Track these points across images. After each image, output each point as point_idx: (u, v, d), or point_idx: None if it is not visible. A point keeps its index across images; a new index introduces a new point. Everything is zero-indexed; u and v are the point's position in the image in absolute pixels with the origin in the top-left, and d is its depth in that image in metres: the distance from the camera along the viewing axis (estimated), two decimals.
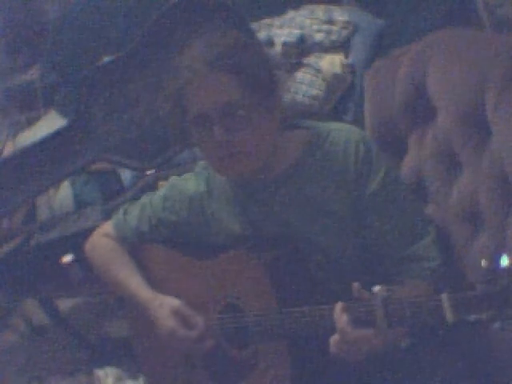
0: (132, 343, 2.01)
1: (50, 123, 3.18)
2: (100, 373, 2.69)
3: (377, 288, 1.48)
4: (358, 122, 2.04)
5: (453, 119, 1.83)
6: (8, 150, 3.29)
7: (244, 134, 1.65)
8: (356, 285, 1.51)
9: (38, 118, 3.52)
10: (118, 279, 1.91)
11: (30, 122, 3.57)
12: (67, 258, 2.66)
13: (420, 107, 1.91)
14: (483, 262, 1.36)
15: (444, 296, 1.41)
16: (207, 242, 1.84)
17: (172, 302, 1.80)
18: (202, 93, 1.65)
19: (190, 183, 1.86)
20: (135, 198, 1.99)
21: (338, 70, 2.86)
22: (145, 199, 1.93)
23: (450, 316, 1.40)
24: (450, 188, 1.86)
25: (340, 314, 1.51)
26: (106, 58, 2.89)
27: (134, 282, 1.88)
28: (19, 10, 3.81)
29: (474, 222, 1.80)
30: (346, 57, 2.91)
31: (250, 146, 1.67)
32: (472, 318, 1.38)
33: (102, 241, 1.95)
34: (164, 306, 1.80)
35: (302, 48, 2.93)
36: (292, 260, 1.71)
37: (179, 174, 1.92)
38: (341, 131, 1.75)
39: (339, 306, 1.52)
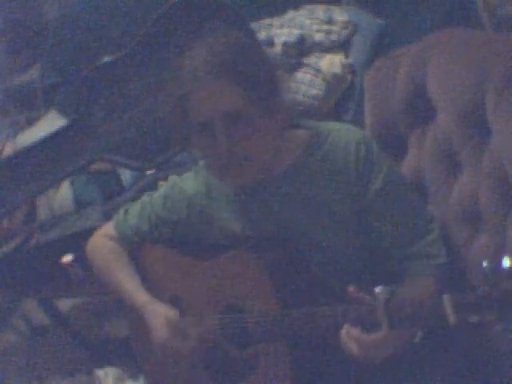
0: (132, 343, 2.01)
1: (50, 123, 3.18)
2: (100, 373, 2.69)
3: (378, 289, 1.48)
4: (358, 122, 2.04)
5: (453, 119, 1.83)
6: (8, 149, 3.29)
7: (247, 141, 1.65)
8: (351, 288, 1.51)
9: (38, 118, 3.52)
10: (116, 282, 1.90)
11: (30, 122, 3.57)
12: (67, 258, 2.66)
13: (420, 107, 1.91)
14: (485, 264, 1.36)
15: (446, 297, 1.40)
16: (207, 241, 1.84)
17: (167, 312, 1.79)
18: (204, 100, 1.64)
19: (189, 183, 1.86)
20: (135, 198, 1.99)
21: (337, 70, 2.86)
22: (145, 198, 1.93)
23: (452, 317, 1.40)
24: (449, 188, 1.86)
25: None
26: (106, 58, 2.88)
27: (131, 286, 1.88)
28: (19, 9, 3.80)
29: (474, 221, 1.80)
30: (346, 57, 2.91)
31: (254, 153, 1.66)
32: (474, 319, 1.38)
33: (103, 242, 1.95)
34: (159, 316, 1.79)
35: (301, 48, 2.93)
36: (292, 260, 1.71)
37: (179, 174, 1.91)
38: (341, 131, 1.74)
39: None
